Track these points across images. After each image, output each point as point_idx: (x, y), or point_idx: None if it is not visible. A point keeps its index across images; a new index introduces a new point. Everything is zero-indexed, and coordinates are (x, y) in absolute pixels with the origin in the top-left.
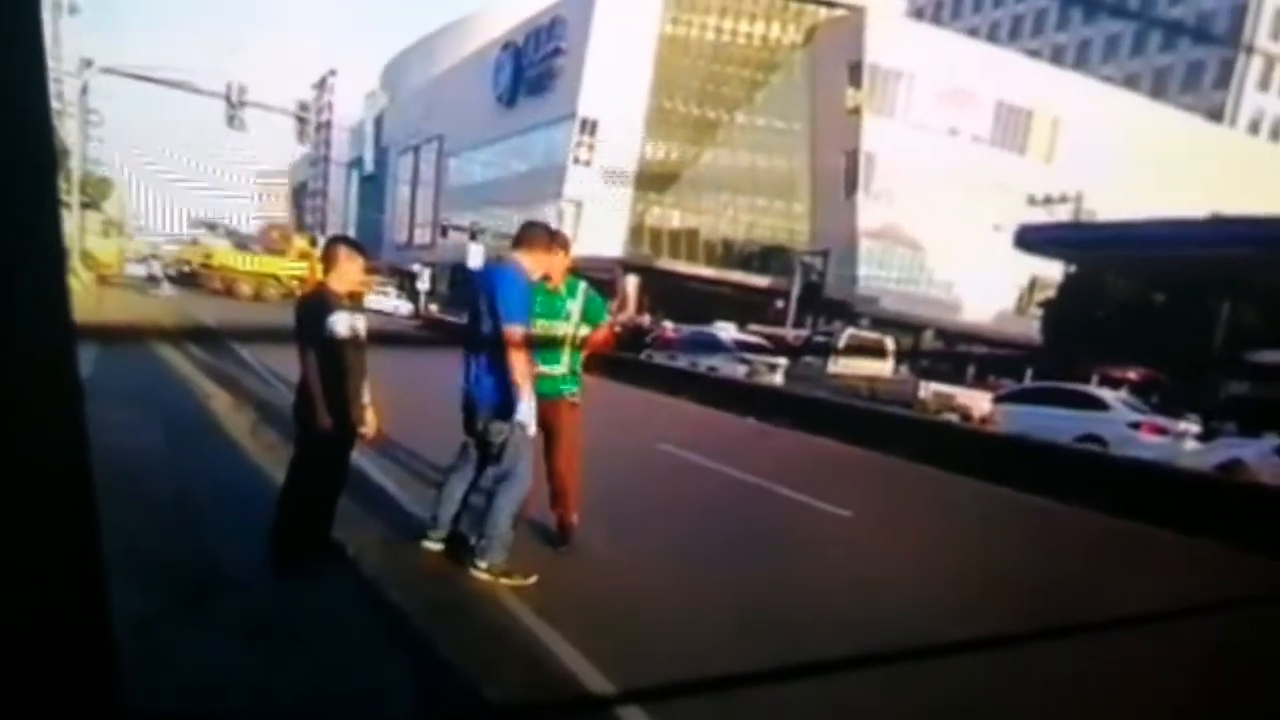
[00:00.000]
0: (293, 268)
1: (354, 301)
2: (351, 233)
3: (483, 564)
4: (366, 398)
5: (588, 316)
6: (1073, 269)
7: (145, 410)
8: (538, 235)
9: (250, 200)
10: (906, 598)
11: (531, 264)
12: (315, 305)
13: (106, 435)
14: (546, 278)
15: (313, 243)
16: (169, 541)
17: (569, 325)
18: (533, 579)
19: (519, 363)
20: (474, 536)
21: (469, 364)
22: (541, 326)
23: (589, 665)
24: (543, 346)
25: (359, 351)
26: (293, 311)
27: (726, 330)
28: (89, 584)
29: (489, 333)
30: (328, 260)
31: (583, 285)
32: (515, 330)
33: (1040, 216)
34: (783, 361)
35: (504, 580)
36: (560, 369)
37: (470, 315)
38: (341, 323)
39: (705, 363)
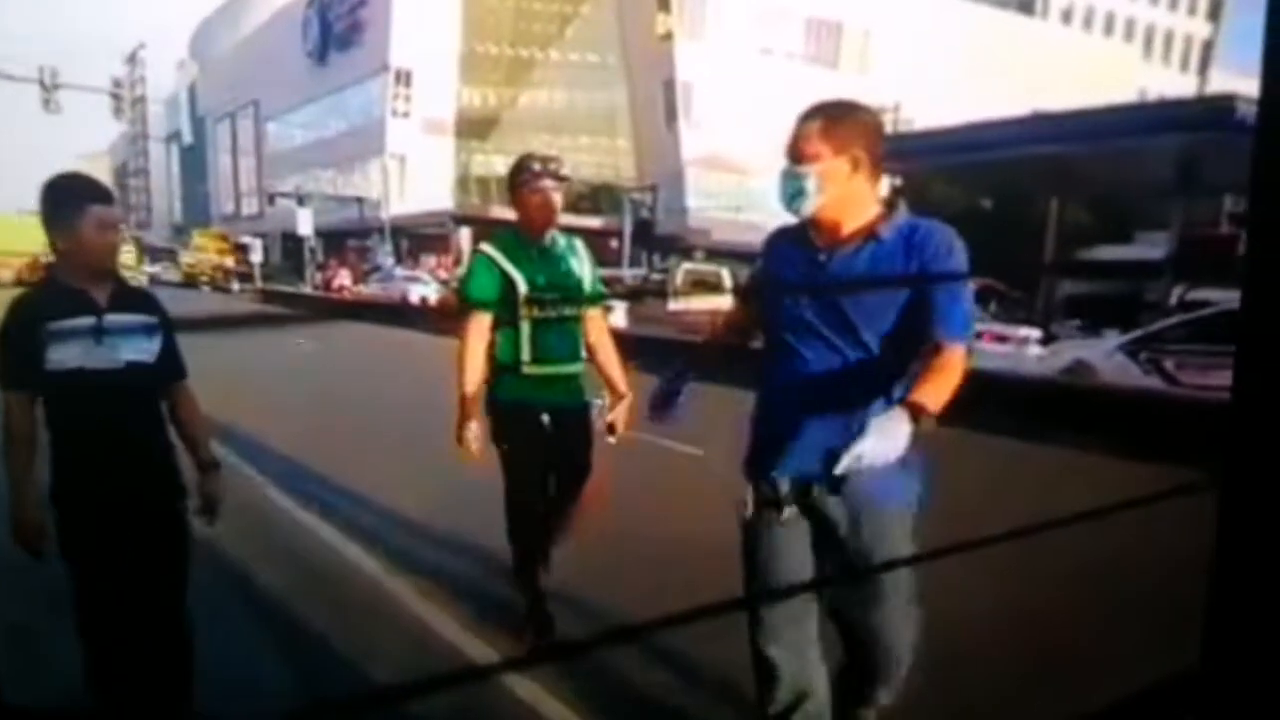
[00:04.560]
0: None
1: (116, 293)
2: (177, 208)
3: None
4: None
5: (594, 289)
6: (897, 181)
7: None
8: None
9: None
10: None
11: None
12: (34, 313)
13: None
14: (533, 228)
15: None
16: None
17: (580, 300)
18: None
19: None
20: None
21: (775, 386)
22: (552, 303)
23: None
24: (554, 333)
25: (140, 385)
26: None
27: None
28: None
29: (859, 341)
30: (57, 229)
31: (578, 241)
32: (960, 349)
33: None
34: (620, 304)
35: None
36: (581, 365)
37: (773, 309)
38: (80, 340)
39: None
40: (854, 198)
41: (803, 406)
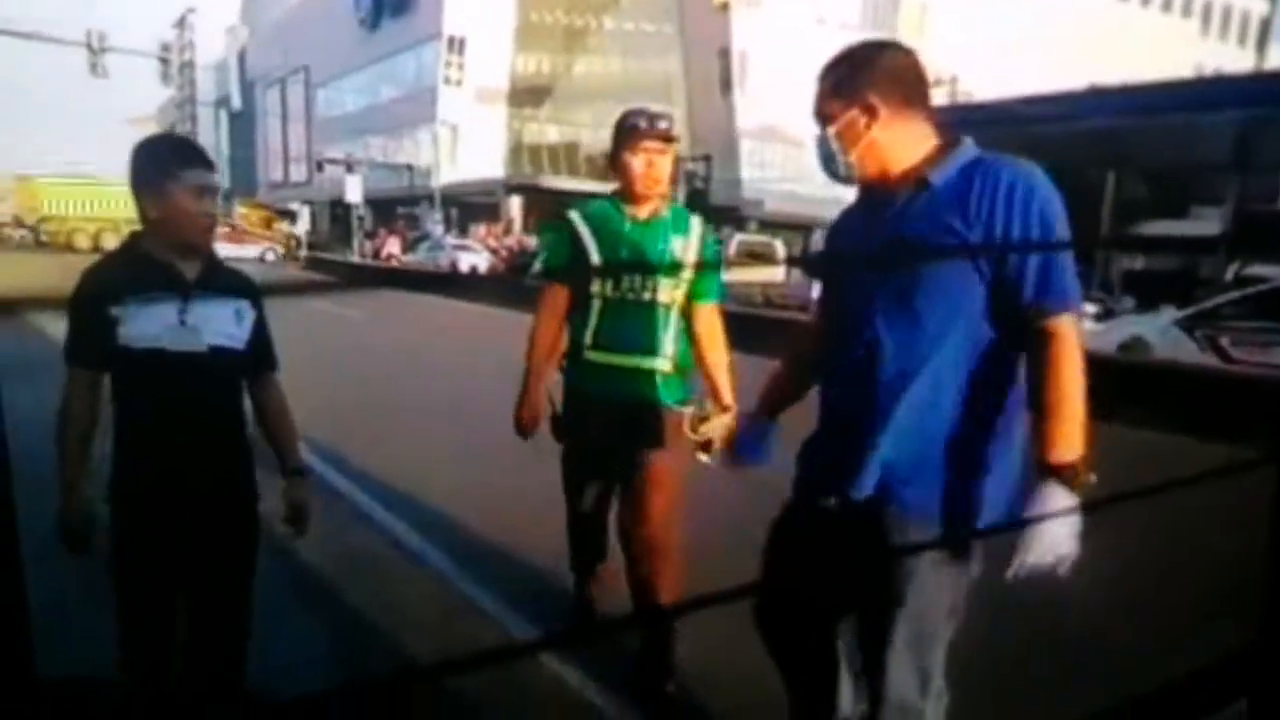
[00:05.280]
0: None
1: (207, 269)
2: (226, 174)
3: None
4: (295, 466)
5: (700, 279)
6: None
7: None
8: None
9: (123, 148)
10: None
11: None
12: (113, 284)
13: None
14: (632, 195)
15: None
16: None
17: (673, 282)
18: None
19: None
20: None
21: (832, 379)
22: (626, 281)
23: None
24: (625, 318)
25: (223, 374)
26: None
27: None
28: (3, 561)
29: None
30: (149, 195)
31: (695, 218)
32: (1073, 324)
33: None
34: None
35: None
36: (659, 361)
37: (833, 293)
38: (163, 319)
39: None
40: (891, 147)
41: (858, 404)
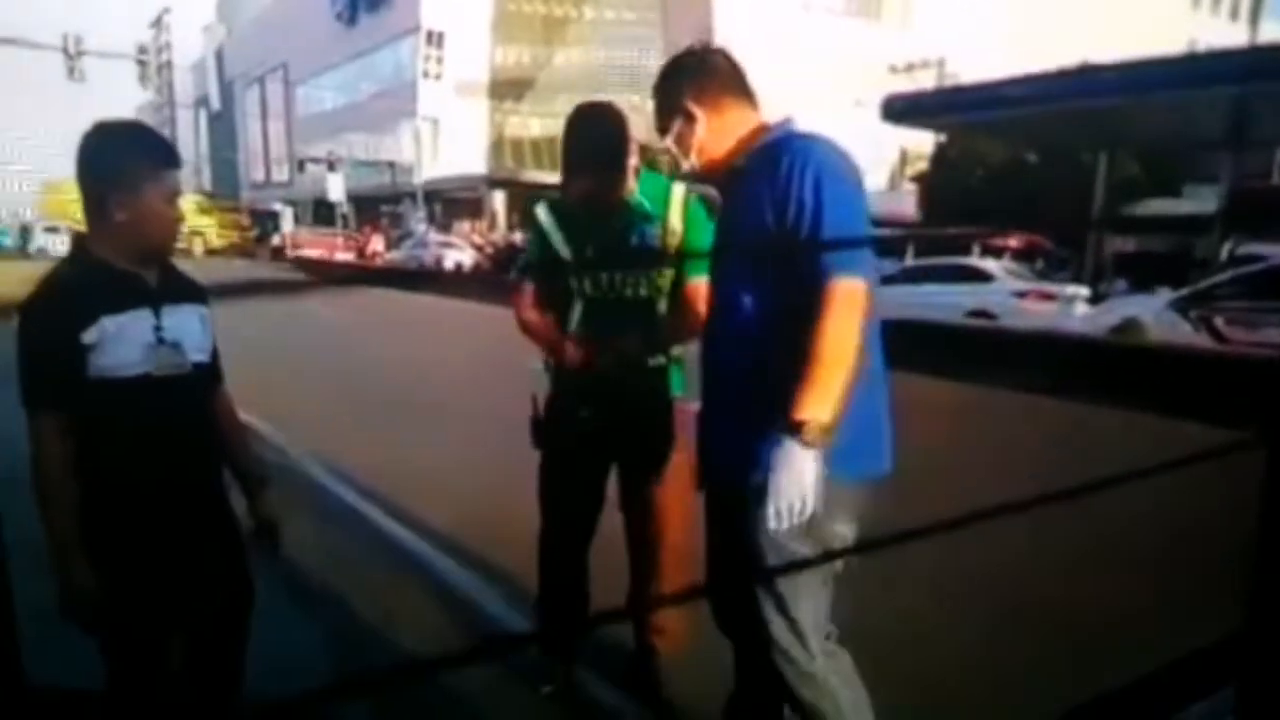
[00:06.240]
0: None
1: (164, 275)
2: (206, 175)
3: None
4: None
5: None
6: (943, 138)
7: None
8: None
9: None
10: None
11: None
12: (77, 303)
13: None
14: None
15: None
16: None
17: (656, 270)
18: None
19: (841, 362)
20: None
21: (709, 374)
22: (604, 277)
23: None
24: (611, 314)
25: (201, 393)
26: (18, 325)
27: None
28: None
29: (750, 299)
30: (117, 194)
31: (678, 190)
32: (849, 285)
33: (903, 85)
34: None
35: None
36: (658, 358)
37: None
38: (141, 338)
39: None
40: (718, 143)
41: (707, 379)
